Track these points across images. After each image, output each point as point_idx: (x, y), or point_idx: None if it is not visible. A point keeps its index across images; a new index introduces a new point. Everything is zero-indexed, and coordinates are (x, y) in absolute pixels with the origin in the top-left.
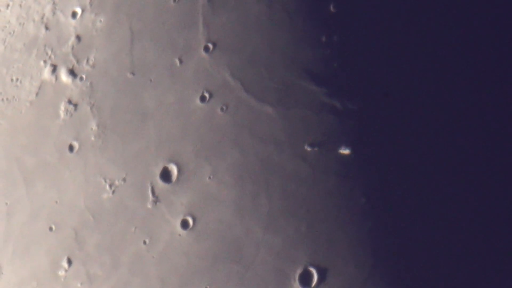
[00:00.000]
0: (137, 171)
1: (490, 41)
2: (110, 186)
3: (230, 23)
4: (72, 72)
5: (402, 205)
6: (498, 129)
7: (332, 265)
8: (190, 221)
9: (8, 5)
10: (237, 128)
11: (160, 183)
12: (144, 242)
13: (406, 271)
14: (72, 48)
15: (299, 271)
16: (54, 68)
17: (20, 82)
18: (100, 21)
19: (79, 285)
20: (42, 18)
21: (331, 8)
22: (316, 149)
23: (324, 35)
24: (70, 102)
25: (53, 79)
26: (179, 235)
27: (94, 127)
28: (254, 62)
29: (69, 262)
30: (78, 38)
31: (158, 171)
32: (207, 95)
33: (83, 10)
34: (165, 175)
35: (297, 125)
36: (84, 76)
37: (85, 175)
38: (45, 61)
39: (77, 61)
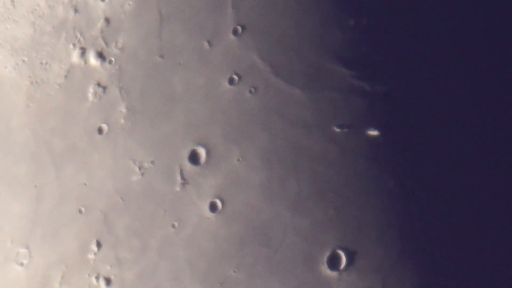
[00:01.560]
0: (166, 153)
1: None
2: (139, 168)
3: (259, 6)
4: (101, 55)
5: (430, 187)
6: None
7: (361, 248)
8: (219, 204)
9: None
10: (266, 111)
11: (188, 166)
12: (173, 225)
13: (435, 254)
14: (101, 31)
15: (327, 254)
16: (83, 51)
17: (49, 65)
18: (129, 4)
19: (108, 268)
20: (71, 0)
21: None
22: (345, 131)
23: (352, 18)
24: (99, 85)
25: (82, 62)
26: (208, 218)
27: (123, 109)
28: (282, 45)
29: (98, 245)
30: (107, 21)
31: (186, 153)
32: (236, 77)
33: None
34: (194, 158)
35: (325, 107)
36: (113, 59)
37: (114, 158)
38: (74, 44)
39: (106, 44)
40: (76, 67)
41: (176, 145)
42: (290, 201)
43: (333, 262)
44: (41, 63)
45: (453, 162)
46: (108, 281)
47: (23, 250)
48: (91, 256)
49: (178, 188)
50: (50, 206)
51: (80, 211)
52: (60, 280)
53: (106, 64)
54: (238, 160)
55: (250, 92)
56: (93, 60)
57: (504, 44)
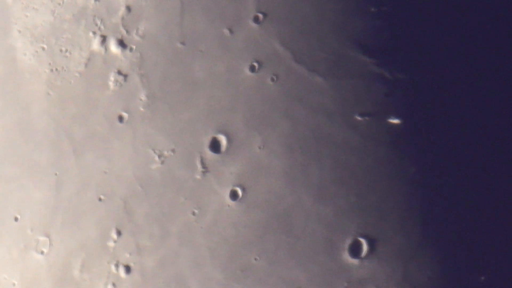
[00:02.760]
0: (186, 141)
1: None
2: (159, 156)
3: None
4: (121, 43)
5: (452, 174)
6: None
7: (382, 235)
8: (239, 191)
9: None
10: (287, 98)
11: (209, 154)
12: (193, 213)
13: (456, 241)
14: (122, 18)
15: (348, 241)
16: (104, 39)
17: (69, 52)
18: None
19: (128, 255)
20: None
21: None
22: (366, 118)
23: (373, 6)
24: (119, 72)
25: (103, 50)
26: (228, 205)
27: (144, 97)
28: (304, 32)
29: (118, 233)
30: (128, 8)
31: (207, 141)
32: (256, 65)
33: None
34: (214, 146)
35: (347, 95)
36: (133, 47)
37: (134, 146)
38: (94, 32)
39: (127, 32)
40: (97, 55)
41: (197, 132)
42: (312, 188)
43: (355, 249)
44: (61, 51)
45: (474, 149)
46: (128, 268)
47: (43, 238)
48: (111, 244)
49: (198, 176)
50: (70, 193)
51: (100, 199)
52: (80, 268)
53: (127, 52)
54: (260, 147)
55: (272, 79)
56: (113, 48)
57: None
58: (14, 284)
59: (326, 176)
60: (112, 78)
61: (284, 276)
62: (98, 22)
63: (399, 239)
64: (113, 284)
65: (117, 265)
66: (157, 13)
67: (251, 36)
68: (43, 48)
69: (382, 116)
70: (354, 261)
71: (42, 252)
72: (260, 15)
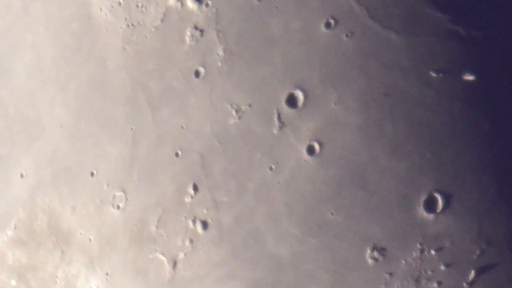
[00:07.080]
0: (263, 97)
1: None
2: (237, 111)
3: None
4: None
5: None
6: None
7: (457, 191)
8: (316, 146)
9: None
10: (363, 55)
11: (286, 109)
12: (270, 168)
13: None
14: None
15: (423, 197)
16: None
17: (145, 8)
18: None
19: (205, 211)
20: None
21: None
22: (440, 75)
23: None
24: (196, 27)
25: (179, 5)
26: (305, 161)
27: (221, 52)
28: None
29: (195, 188)
30: None
31: (284, 97)
32: (332, 22)
33: None
34: (291, 101)
35: (422, 51)
36: (209, 2)
37: (211, 101)
38: None
39: None
40: (173, 10)
41: (273, 88)
42: (387, 144)
43: (430, 204)
44: (137, 6)
45: None
46: (205, 224)
47: (119, 193)
48: (187, 200)
49: (275, 131)
50: (147, 149)
51: (177, 154)
52: (156, 224)
53: (203, 7)
54: (335, 103)
55: (347, 36)
56: (190, 3)
57: None
58: (90, 240)
59: (401, 132)
60: (188, 33)
61: (359, 231)
62: None
63: (474, 194)
64: (191, 240)
65: (194, 221)
66: None
67: None
68: (119, 3)
69: (456, 72)
70: (429, 217)
71: (118, 207)
72: None
